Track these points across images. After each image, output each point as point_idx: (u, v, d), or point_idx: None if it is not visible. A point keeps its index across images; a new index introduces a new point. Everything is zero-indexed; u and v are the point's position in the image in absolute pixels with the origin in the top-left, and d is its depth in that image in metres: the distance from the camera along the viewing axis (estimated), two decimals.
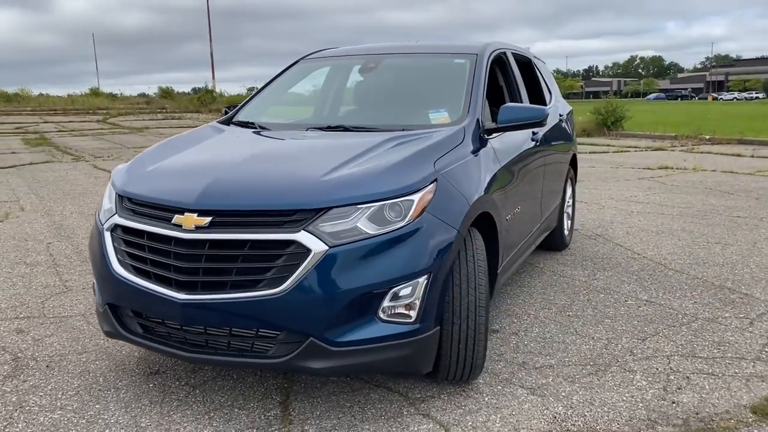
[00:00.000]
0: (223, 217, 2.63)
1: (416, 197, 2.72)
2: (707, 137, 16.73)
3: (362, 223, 2.61)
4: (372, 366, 2.72)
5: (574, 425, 2.78)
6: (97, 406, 2.95)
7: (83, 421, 2.83)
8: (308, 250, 2.53)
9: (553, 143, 4.86)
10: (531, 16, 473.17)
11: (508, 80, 4.44)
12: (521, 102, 4.35)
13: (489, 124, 3.59)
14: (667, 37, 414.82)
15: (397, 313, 2.66)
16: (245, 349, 2.69)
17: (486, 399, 3.01)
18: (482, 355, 2.98)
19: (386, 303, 2.64)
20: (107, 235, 2.95)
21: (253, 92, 4.28)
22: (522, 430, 2.74)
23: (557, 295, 4.46)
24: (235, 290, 2.58)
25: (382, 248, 2.61)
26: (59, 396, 3.05)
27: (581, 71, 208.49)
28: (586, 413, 2.87)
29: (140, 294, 2.75)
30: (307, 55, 4.59)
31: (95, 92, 77.45)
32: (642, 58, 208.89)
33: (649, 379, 3.19)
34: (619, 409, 2.90)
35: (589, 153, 14.06)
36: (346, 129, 3.57)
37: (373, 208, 2.64)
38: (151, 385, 3.16)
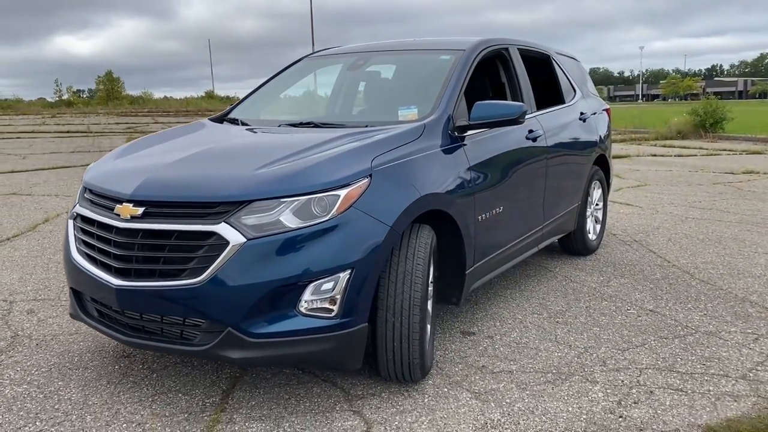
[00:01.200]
0: (154, 208, 2.74)
1: (342, 192, 2.72)
2: None
3: (285, 217, 2.64)
4: (292, 358, 2.74)
5: None
6: (59, 383, 3.16)
7: (41, 395, 3.04)
8: (226, 242, 2.59)
9: (564, 142, 4.66)
10: (647, 14, 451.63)
11: (510, 77, 4.31)
12: (521, 100, 4.21)
13: (462, 121, 3.51)
14: None
15: (319, 308, 2.67)
16: (175, 336, 2.79)
17: (426, 400, 2.95)
18: (419, 355, 2.92)
19: (307, 297, 2.65)
20: (70, 224, 3.16)
21: (251, 90, 4.41)
22: None
23: (556, 301, 4.28)
24: (163, 278, 2.68)
25: (302, 242, 2.63)
26: (32, 372, 3.29)
27: (703, 71, 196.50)
28: (520, 421, 2.75)
29: (89, 279, 2.92)
30: (310, 54, 4.67)
31: (210, 95, 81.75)
32: None
33: (608, 391, 3.01)
34: (557, 420, 2.76)
35: (674, 156, 13.30)
36: (316, 125, 3.61)
37: (297, 203, 2.66)
38: (116, 367, 3.34)
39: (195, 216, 2.68)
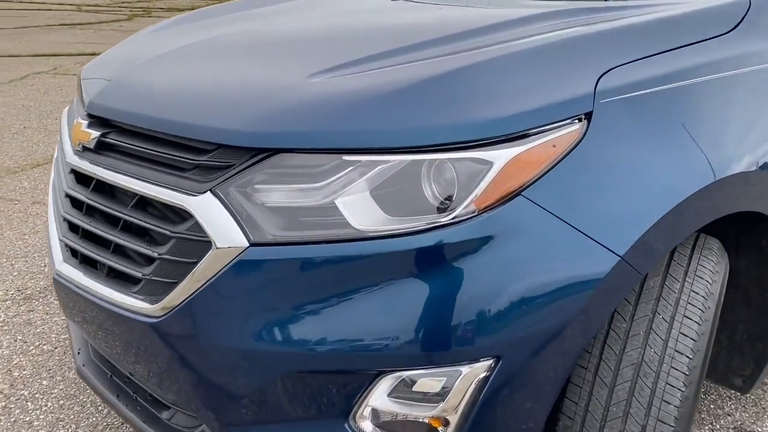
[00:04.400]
0: (114, 137, 1.33)
1: (505, 154, 1.04)
2: None
3: (347, 200, 1.06)
4: None
5: None
6: None
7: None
8: (208, 241, 1.10)
9: None
10: None
11: None
12: None
13: None
14: None
15: (400, 422, 1.10)
16: (144, 401, 1.43)
17: None
18: None
19: (375, 401, 1.09)
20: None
21: None
22: None
23: None
24: (109, 282, 1.29)
25: (381, 269, 1.05)
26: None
27: None
28: None
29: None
30: None
31: None
32: None
33: None
34: None
35: None
36: None
37: (380, 168, 1.05)
38: None
39: (174, 168, 1.20)
